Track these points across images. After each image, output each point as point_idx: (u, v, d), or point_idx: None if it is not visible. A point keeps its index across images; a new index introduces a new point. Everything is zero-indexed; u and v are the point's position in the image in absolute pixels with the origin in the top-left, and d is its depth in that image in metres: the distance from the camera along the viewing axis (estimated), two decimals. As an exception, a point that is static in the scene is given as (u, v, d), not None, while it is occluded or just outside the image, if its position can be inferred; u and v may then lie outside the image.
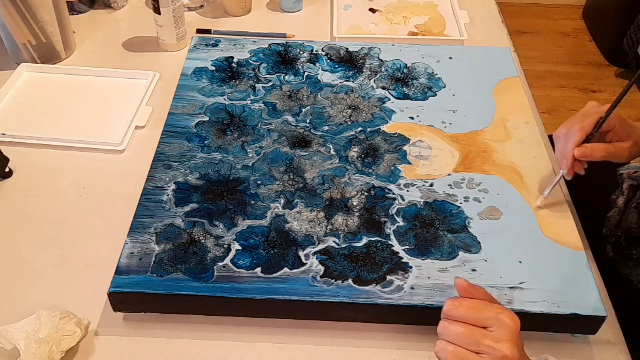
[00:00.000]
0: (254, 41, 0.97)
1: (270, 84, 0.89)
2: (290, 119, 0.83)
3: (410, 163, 0.78)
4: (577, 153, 0.69)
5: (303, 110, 0.85)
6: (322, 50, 0.95)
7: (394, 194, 0.73)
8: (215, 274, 0.64)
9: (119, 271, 0.63)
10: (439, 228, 0.70)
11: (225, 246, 0.66)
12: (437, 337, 0.64)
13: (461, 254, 0.67)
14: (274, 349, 0.63)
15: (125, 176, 0.80)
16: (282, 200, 0.72)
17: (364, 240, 0.68)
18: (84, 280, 0.68)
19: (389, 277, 0.64)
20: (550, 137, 0.90)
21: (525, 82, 0.95)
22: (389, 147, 0.80)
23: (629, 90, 0.69)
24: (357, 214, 0.71)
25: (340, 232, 0.69)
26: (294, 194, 0.73)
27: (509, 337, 0.49)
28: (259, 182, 0.74)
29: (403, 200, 0.73)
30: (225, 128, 0.81)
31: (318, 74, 0.91)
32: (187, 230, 0.68)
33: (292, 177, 0.75)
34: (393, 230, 0.69)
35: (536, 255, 0.67)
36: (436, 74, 0.92)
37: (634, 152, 0.72)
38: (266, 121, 0.83)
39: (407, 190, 0.74)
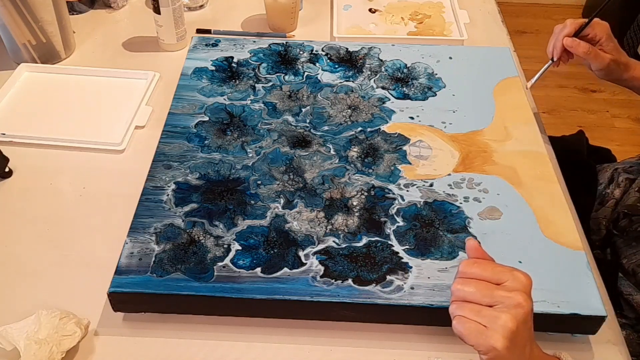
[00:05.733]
0: (254, 41, 0.97)
1: (270, 84, 0.89)
2: (290, 119, 0.83)
3: (410, 163, 0.78)
4: (566, 42, 0.84)
5: (303, 110, 0.85)
6: (322, 50, 0.95)
7: (394, 194, 0.73)
8: (215, 274, 0.64)
9: (119, 271, 0.63)
10: (439, 228, 0.70)
11: (225, 246, 0.66)
12: (436, 336, 0.64)
13: (461, 254, 0.67)
14: (273, 348, 0.63)
15: (125, 176, 0.80)
16: (282, 200, 0.72)
17: (364, 240, 0.68)
18: (84, 280, 0.68)
19: (389, 277, 0.64)
20: (550, 137, 0.91)
21: (525, 82, 0.95)
22: (389, 147, 0.80)
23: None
24: (357, 214, 0.71)
25: (340, 232, 0.69)
26: (294, 194, 0.73)
27: (523, 289, 0.50)
28: (259, 182, 0.74)
29: (403, 200, 0.73)
30: (225, 128, 0.81)
31: (318, 74, 0.91)
32: (187, 230, 0.68)
33: (292, 177, 0.75)
34: (393, 230, 0.69)
35: (536, 255, 0.67)
36: (436, 74, 0.92)
37: (613, 67, 0.85)
38: (266, 121, 0.83)
39: (407, 190, 0.74)
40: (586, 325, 0.63)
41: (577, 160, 0.86)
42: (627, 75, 0.86)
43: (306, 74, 0.91)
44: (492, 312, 0.48)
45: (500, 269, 0.51)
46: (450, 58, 0.95)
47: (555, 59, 0.87)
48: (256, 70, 0.91)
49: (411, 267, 0.65)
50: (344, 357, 0.63)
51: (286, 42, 0.97)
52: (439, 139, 0.81)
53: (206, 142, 0.79)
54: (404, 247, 0.67)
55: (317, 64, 0.93)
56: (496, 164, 0.78)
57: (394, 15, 1.12)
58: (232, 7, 1.14)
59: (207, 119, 0.83)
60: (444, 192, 0.74)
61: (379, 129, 0.82)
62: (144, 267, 0.64)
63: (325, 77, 0.91)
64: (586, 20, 0.85)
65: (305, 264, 0.65)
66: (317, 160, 0.77)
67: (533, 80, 0.90)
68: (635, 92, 0.89)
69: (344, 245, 0.67)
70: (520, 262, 0.66)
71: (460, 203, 0.72)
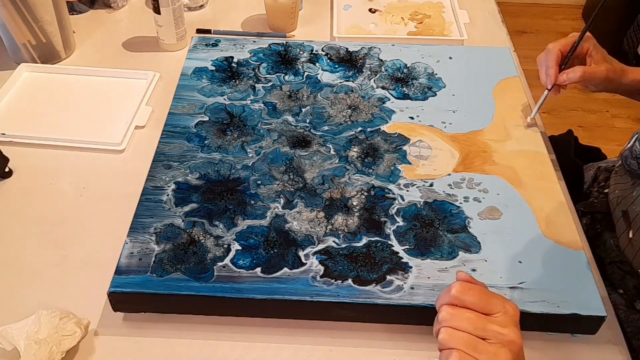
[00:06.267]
0: (254, 41, 0.97)
1: (270, 84, 0.89)
2: (290, 119, 0.83)
3: (410, 163, 0.78)
4: (560, 80, 0.79)
5: (303, 110, 0.85)
6: (322, 50, 0.95)
7: (394, 194, 0.73)
8: (215, 274, 0.64)
9: (119, 271, 0.63)
10: (439, 228, 0.70)
11: (225, 246, 0.66)
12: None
13: (461, 254, 0.67)
14: (274, 349, 0.63)
15: (125, 176, 0.80)
16: (282, 200, 0.72)
17: (364, 240, 0.68)
18: (84, 280, 0.68)
19: (388, 277, 0.64)
20: (550, 137, 0.91)
21: (525, 82, 0.95)
22: (389, 147, 0.80)
23: (596, 14, 0.78)
24: (357, 214, 0.71)
25: (340, 232, 0.69)
26: (294, 194, 0.73)
27: (514, 324, 0.50)
28: (259, 182, 0.74)
29: (403, 200, 0.73)
30: (225, 128, 0.81)
31: (318, 74, 0.91)
32: (187, 230, 0.68)
33: (292, 177, 0.75)
34: (393, 230, 0.69)
35: (536, 255, 0.67)
36: (436, 74, 0.92)
37: (612, 76, 0.80)
38: (266, 121, 0.83)
39: (407, 190, 0.74)
40: (586, 325, 0.63)
41: (564, 160, 0.85)
42: (626, 79, 0.81)
43: (306, 74, 0.91)
44: (489, 347, 0.48)
45: (494, 301, 0.50)
46: (450, 58, 0.95)
47: (550, 88, 0.80)
48: (256, 70, 0.91)
49: (411, 267, 0.65)
50: (344, 357, 0.63)
51: (286, 42, 0.97)
52: (439, 139, 0.81)
53: (206, 142, 0.79)
54: (404, 247, 0.67)
55: (317, 64, 0.93)
56: (496, 164, 0.78)
57: (394, 15, 1.12)
58: (232, 7, 1.14)
59: (207, 119, 0.83)
60: (444, 192, 0.74)
61: (379, 129, 0.82)
62: (144, 267, 0.64)
63: (325, 77, 0.91)
64: (570, 37, 0.80)
65: (305, 264, 0.65)
66: (317, 160, 0.77)
67: (533, 112, 0.83)
68: (635, 98, 0.87)
69: (344, 245, 0.67)
70: (520, 262, 0.66)
71: (460, 203, 0.72)
